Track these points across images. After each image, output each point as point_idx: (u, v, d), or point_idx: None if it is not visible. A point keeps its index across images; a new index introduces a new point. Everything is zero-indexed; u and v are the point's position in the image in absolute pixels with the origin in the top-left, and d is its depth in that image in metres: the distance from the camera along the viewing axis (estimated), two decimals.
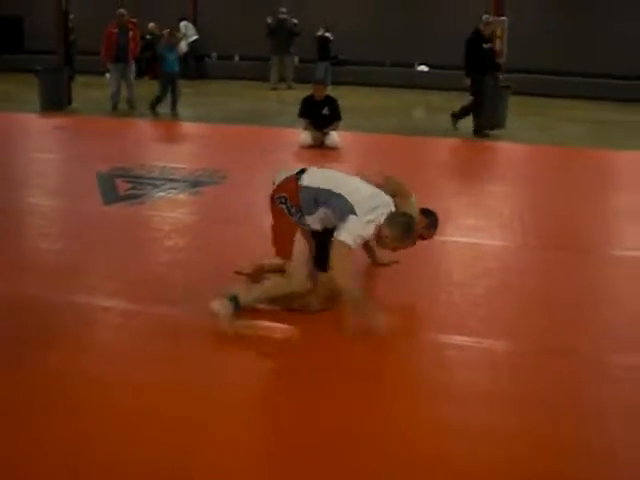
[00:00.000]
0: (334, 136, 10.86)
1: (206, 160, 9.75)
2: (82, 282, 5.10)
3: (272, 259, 4.86)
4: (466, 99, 13.07)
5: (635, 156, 11.40)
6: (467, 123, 12.90)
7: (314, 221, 4.60)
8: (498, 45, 13.90)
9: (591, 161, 10.98)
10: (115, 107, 14.30)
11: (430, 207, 5.22)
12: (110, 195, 7.49)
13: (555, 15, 20.87)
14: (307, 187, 4.58)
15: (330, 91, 12.15)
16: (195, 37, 22.61)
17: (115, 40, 14.06)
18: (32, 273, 5.27)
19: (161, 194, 7.62)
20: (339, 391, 3.74)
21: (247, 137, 11.95)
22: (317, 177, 4.66)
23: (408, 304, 4.49)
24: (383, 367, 4.06)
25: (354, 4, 22.73)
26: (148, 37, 20.34)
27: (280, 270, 4.72)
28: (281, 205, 4.65)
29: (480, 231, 6.68)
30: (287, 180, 4.72)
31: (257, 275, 4.90)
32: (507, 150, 12.08)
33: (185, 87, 15.45)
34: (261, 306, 4.57)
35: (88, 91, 16.70)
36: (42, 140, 11.34)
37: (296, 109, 11.29)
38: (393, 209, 4.50)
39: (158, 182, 8.11)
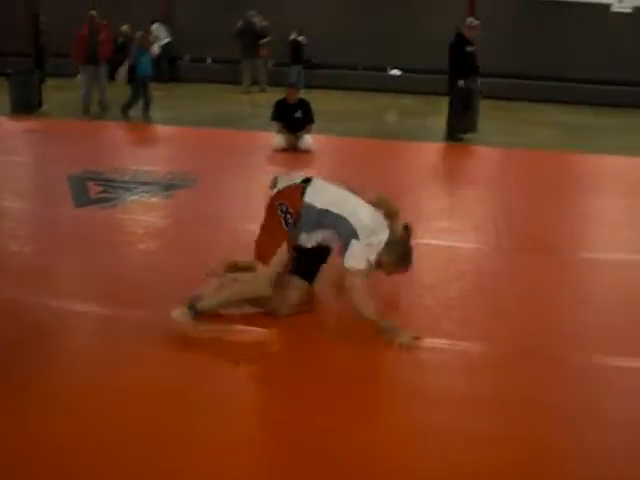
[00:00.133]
0: (307, 139, 10.84)
1: (178, 163, 9.69)
2: (55, 285, 5.05)
3: (246, 258, 4.83)
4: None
5: (605, 159, 11.50)
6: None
7: (309, 239, 4.57)
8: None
9: (562, 164, 11.06)
10: (86, 110, 14.12)
11: (404, 209, 5.20)
12: (81, 198, 7.42)
13: (525, 19, 21.02)
14: (311, 206, 4.52)
15: (303, 94, 12.12)
16: (168, 39, 22.49)
17: (86, 42, 13.90)
18: (3, 276, 5.20)
19: (133, 197, 7.56)
20: (315, 395, 3.72)
21: (220, 140, 11.90)
22: (321, 195, 4.58)
23: (382, 307, 4.47)
24: (358, 371, 4.05)
25: (327, 8, 22.74)
26: (120, 39, 20.19)
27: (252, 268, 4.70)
28: (280, 214, 4.57)
29: (454, 234, 6.69)
30: (291, 190, 4.65)
31: (230, 271, 4.86)
32: (479, 153, 12.13)
33: (157, 90, 15.34)
34: (231, 310, 4.54)
35: (59, 94, 16.54)
36: (12, 143, 11.21)
37: (269, 112, 11.25)
38: (388, 232, 4.48)
39: (130, 185, 8.05)
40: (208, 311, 4.42)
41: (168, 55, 22.36)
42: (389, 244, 4.42)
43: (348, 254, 4.36)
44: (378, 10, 22.46)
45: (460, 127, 13.05)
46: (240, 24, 20.39)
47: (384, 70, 22.56)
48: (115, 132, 12.99)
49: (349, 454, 3.19)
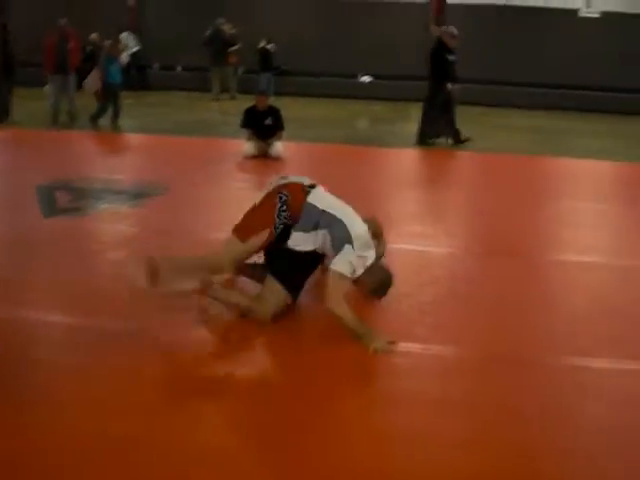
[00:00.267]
0: (278, 146, 10.81)
1: (148, 172, 9.63)
2: (22, 296, 4.97)
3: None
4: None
5: (575, 163, 11.62)
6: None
7: (305, 241, 4.56)
8: None
9: (533, 168, 11.16)
10: (55, 120, 13.97)
11: (376, 214, 5.20)
12: (50, 208, 7.33)
13: (494, 25, 21.19)
14: (313, 206, 4.57)
15: (273, 102, 12.10)
16: (137, 48, 22.40)
17: (55, 51, 13.78)
18: None
19: (102, 206, 7.49)
20: (287, 398, 3.71)
21: (190, 148, 11.84)
22: (325, 200, 4.64)
23: (357, 312, 4.45)
24: (331, 375, 4.02)
25: (296, 15, 22.76)
26: (89, 48, 20.06)
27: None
28: (278, 202, 4.60)
29: (426, 238, 6.70)
30: (296, 186, 4.71)
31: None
32: (450, 158, 12.19)
33: (127, 98, 15.25)
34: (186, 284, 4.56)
35: (28, 103, 16.39)
36: None
37: (239, 120, 11.21)
38: (374, 254, 4.53)
39: (99, 194, 7.98)
40: (166, 269, 4.52)
41: (137, 63, 22.27)
42: (373, 268, 4.47)
43: (338, 257, 4.38)
44: (348, 17, 22.54)
45: (432, 132, 13.11)
46: (209, 32, 20.37)
47: (354, 77, 22.61)
48: (84, 142, 12.87)
49: (322, 458, 3.17)
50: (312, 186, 4.74)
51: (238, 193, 8.34)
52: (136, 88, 21.23)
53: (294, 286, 4.62)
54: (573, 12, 21.57)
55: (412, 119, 15.97)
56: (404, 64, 21.76)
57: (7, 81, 14.56)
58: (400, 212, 7.63)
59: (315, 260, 4.68)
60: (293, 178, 4.85)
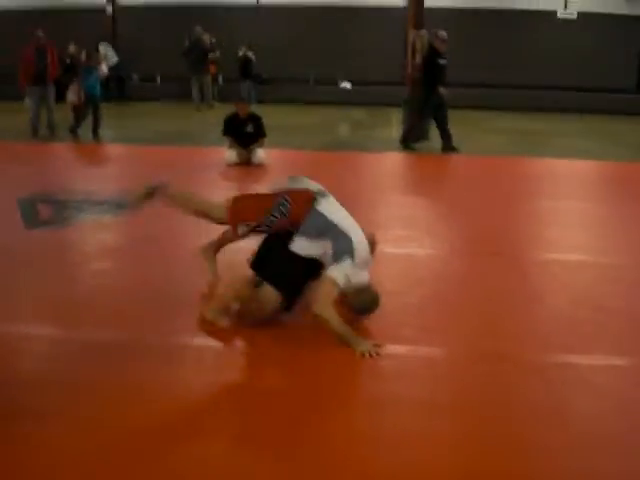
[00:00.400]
0: (260, 153, 10.81)
1: (130, 182, 9.53)
2: (4, 308, 4.91)
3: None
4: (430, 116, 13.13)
5: (555, 163, 11.70)
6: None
7: (308, 247, 4.54)
8: (418, 58, 14.03)
9: (514, 169, 11.23)
10: (35, 132, 13.89)
11: (359, 219, 5.18)
12: (31, 220, 7.27)
13: (472, 29, 21.31)
14: (321, 214, 4.56)
15: (255, 109, 12.08)
16: (115, 59, 22.37)
17: (33, 63, 13.70)
18: None
19: (84, 217, 7.44)
20: (274, 401, 3.69)
21: (171, 157, 11.78)
22: (336, 211, 4.63)
23: (342, 315, 4.45)
24: (318, 378, 4.00)
25: (276, 23, 22.80)
26: (68, 60, 20.01)
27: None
28: (277, 205, 4.62)
29: (410, 241, 6.70)
30: (302, 193, 4.70)
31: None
32: (433, 162, 12.21)
33: (107, 109, 15.20)
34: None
35: (7, 117, 16.32)
36: None
37: (220, 128, 11.19)
38: (368, 276, 4.57)
39: (81, 205, 7.91)
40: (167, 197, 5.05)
41: (116, 75, 22.24)
42: (363, 289, 4.50)
43: (336, 265, 4.37)
44: (327, 24, 22.60)
45: (414, 136, 13.16)
46: (188, 41, 20.37)
47: (335, 83, 22.67)
48: (65, 153, 12.82)
49: (308, 461, 3.16)
50: (323, 194, 4.73)
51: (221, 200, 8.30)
52: (116, 99, 21.25)
53: (291, 293, 4.57)
54: (552, 14, 21.74)
55: (393, 124, 16.07)
56: (384, 70, 21.87)
57: None
58: (384, 216, 7.63)
59: (315, 268, 4.60)
60: (303, 183, 4.84)
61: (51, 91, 14.02)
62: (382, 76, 21.83)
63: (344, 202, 4.98)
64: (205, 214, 5.01)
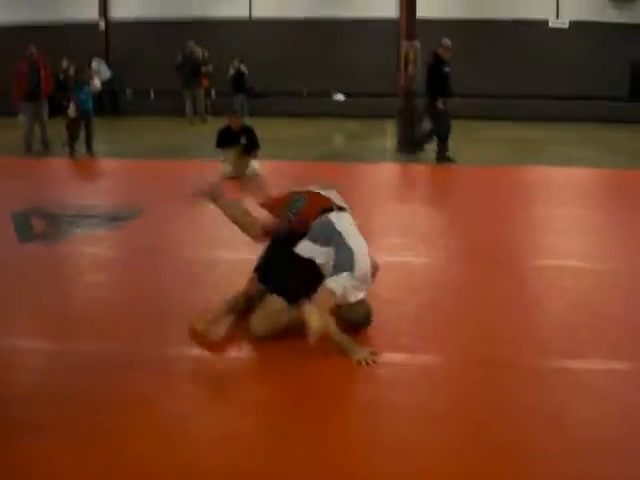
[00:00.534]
0: (254, 165, 10.78)
1: (124, 195, 9.57)
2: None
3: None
4: (426, 124, 13.11)
5: (549, 171, 11.72)
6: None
7: (310, 250, 4.56)
8: (411, 69, 14.06)
9: (511, 178, 11.24)
10: (29, 148, 13.86)
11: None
12: (25, 234, 7.24)
13: (465, 38, 21.34)
14: (330, 222, 4.61)
15: (248, 123, 12.06)
16: (108, 73, 22.38)
17: (26, 78, 13.68)
18: None
19: (78, 230, 7.41)
20: (271, 409, 3.68)
21: (166, 171, 11.77)
22: (347, 224, 4.67)
23: (340, 324, 4.43)
24: (315, 386, 3.97)
25: (268, 36, 22.84)
26: (61, 76, 20.00)
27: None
28: (290, 201, 4.79)
29: (406, 249, 6.68)
30: (321, 197, 4.80)
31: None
32: (429, 171, 12.22)
33: (101, 124, 15.18)
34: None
35: (0, 133, 16.30)
36: None
37: (214, 141, 11.17)
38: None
39: (75, 219, 7.89)
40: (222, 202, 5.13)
41: (110, 89, 22.25)
42: (358, 305, 4.51)
43: (336, 277, 4.38)
44: (318, 36, 22.64)
45: (412, 146, 13.23)
46: (181, 55, 20.38)
47: (328, 95, 22.69)
48: (58, 168, 12.80)
49: (304, 466, 3.14)
50: (341, 208, 4.78)
51: (215, 212, 8.27)
52: (109, 114, 21.25)
53: (294, 297, 4.53)
54: (544, 23, 21.82)
55: (387, 135, 16.08)
56: (377, 81, 21.90)
57: None
58: (379, 224, 7.61)
59: (317, 280, 4.53)
60: (329, 193, 4.89)
61: (44, 107, 14.01)
62: (375, 88, 21.85)
63: None
64: (249, 228, 5.05)
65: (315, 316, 4.17)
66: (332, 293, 4.33)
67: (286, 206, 4.77)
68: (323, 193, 4.87)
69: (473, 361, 4.26)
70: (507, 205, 8.84)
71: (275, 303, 4.50)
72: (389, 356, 4.28)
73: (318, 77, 22.47)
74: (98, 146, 13.98)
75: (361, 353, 4.22)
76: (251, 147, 10.91)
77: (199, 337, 4.45)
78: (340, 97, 22.77)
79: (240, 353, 4.42)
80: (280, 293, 4.51)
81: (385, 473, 3.12)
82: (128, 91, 23.29)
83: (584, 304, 5.28)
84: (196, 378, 4.06)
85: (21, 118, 14.15)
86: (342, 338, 4.29)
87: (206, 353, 4.36)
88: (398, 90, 15.13)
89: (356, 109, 21.63)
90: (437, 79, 12.67)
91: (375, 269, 4.90)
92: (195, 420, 3.59)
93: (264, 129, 12.84)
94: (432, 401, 3.79)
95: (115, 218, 7.94)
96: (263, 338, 4.44)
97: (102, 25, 23.36)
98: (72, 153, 13.50)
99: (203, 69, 20.63)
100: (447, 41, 12.88)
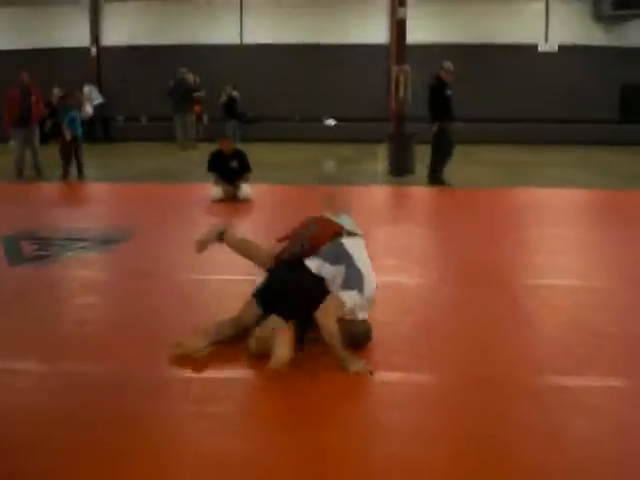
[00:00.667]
0: (246, 188, 10.78)
1: (115, 219, 9.53)
2: None
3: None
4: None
5: (540, 193, 11.73)
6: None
7: (319, 267, 4.68)
8: (402, 93, 14.10)
9: (501, 200, 11.26)
10: (20, 173, 13.81)
11: None
12: (15, 257, 7.18)
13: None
14: (342, 244, 4.76)
15: (240, 148, 12.07)
16: (100, 100, 22.40)
17: (18, 104, 13.67)
18: None
19: (69, 254, 7.35)
20: (265, 427, 3.65)
21: (157, 195, 11.74)
22: (358, 250, 4.77)
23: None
24: (311, 405, 3.92)
25: (260, 62, 22.92)
26: (54, 102, 20.00)
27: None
28: (304, 229, 4.99)
29: (400, 270, 6.66)
30: (332, 224, 4.99)
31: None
32: (418, 193, 12.23)
33: (92, 150, 15.19)
34: None
35: None
36: None
37: (205, 166, 11.16)
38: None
39: (65, 242, 7.84)
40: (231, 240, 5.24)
41: (101, 116, 22.27)
42: (359, 324, 4.59)
43: (346, 292, 4.45)
44: (309, 61, 22.75)
45: (400, 169, 13.20)
46: (172, 82, 20.43)
47: (319, 120, 22.76)
48: (49, 193, 12.74)
49: None
50: (354, 235, 4.93)
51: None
52: (101, 140, 21.26)
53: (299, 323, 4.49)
54: (533, 48, 21.98)
55: (379, 159, 16.12)
56: (368, 107, 22.00)
57: None
58: (372, 246, 7.50)
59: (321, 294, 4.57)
60: (343, 220, 5.06)
61: (35, 132, 13.99)
62: (366, 113, 21.95)
63: None
64: (255, 258, 5.18)
65: (287, 348, 4.19)
66: (341, 305, 4.39)
67: (300, 233, 4.96)
68: (334, 219, 5.03)
69: (468, 380, 4.22)
70: (501, 226, 8.84)
71: (276, 323, 4.46)
72: (384, 375, 4.24)
73: (309, 102, 22.55)
74: (89, 171, 13.96)
75: (358, 365, 4.23)
76: (242, 171, 10.91)
77: (187, 358, 4.41)
78: (331, 122, 22.84)
79: (233, 373, 4.36)
80: (283, 317, 4.47)
81: None
82: (119, 117, 23.31)
83: (579, 322, 5.25)
84: (187, 399, 3.99)
85: (12, 144, 14.15)
86: (343, 348, 4.29)
87: (198, 374, 4.31)
88: (389, 114, 15.15)
89: (347, 134, 21.69)
90: (439, 102, 12.61)
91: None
92: (187, 441, 3.54)
93: (256, 154, 12.86)
94: (428, 420, 3.75)
95: (106, 241, 7.89)
96: (259, 357, 4.39)
97: (94, 51, 23.43)
98: (65, 176, 13.46)
99: (195, 95, 20.68)
100: (449, 64, 12.85)
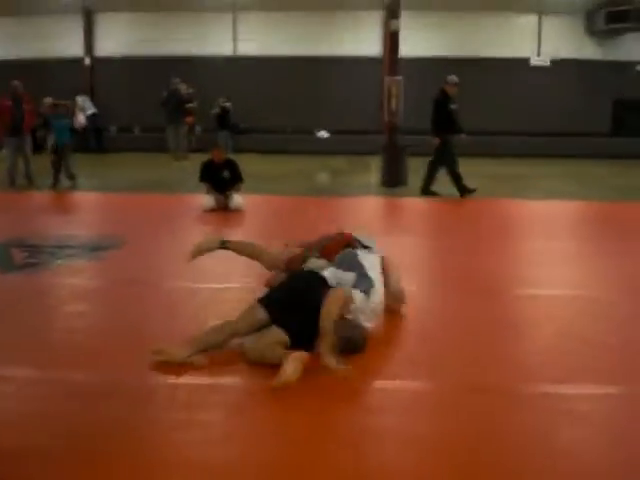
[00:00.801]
0: (237, 198, 10.76)
1: (106, 227, 9.51)
2: None
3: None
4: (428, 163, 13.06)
5: (532, 204, 11.77)
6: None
7: (330, 272, 4.79)
8: (394, 104, 14.12)
9: (496, 211, 11.27)
10: (12, 182, 13.78)
11: None
12: (6, 265, 7.13)
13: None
14: (356, 255, 4.97)
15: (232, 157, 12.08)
16: (93, 110, 22.40)
17: (10, 113, 13.65)
18: None
19: (60, 261, 7.32)
20: (254, 435, 3.60)
21: (149, 205, 11.72)
22: (371, 263, 4.96)
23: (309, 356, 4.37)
24: (303, 412, 3.88)
25: (253, 73, 22.97)
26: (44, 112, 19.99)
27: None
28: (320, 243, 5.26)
29: None
30: (345, 237, 5.31)
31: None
32: (410, 205, 12.23)
33: (85, 160, 15.16)
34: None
35: None
36: None
37: (197, 176, 11.14)
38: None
39: (56, 250, 7.80)
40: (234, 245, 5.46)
41: (94, 126, 22.26)
42: (355, 327, 4.57)
43: (355, 291, 4.59)
44: (302, 74, 22.80)
45: (392, 181, 13.21)
46: (165, 92, 20.44)
47: (312, 133, 22.79)
48: (41, 201, 12.68)
49: None
50: (368, 248, 5.20)
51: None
52: (94, 150, 21.24)
53: (299, 338, 4.48)
54: (525, 61, 22.08)
55: (371, 171, 16.13)
56: (360, 119, 22.04)
57: None
58: None
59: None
60: (359, 235, 5.40)
61: (27, 141, 13.98)
62: (359, 125, 21.99)
63: None
64: (263, 259, 5.38)
65: (297, 373, 4.12)
66: (349, 295, 4.50)
67: (315, 243, 5.22)
68: (353, 234, 5.34)
69: (462, 387, 4.19)
70: (494, 237, 8.83)
71: (277, 335, 4.44)
72: (378, 383, 4.24)
73: (302, 114, 22.59)
74: (82, 180, 13.93)
75: (344, 369, 4.20)
76: (234, 180, 10.89)
77: (175, 365, 4.38)
78: (324, 134, 22.87)
79: (221, 380, 4.32)
80: (286, 329, 4.46)
81: None
82: (112, 127, 23.30)
83: (572, 331, 5.23)
84: (176, 406, 3.96)
85: (4, 152, 14.13)
86: (331, 337, 4.29)
87: (186, 381, 4.27)
88: (382, 125, 15.17)
89: (340, 146, 21.72)
90: (443, 116, 12.57)
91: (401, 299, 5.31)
92: (174, 448, 3.50)
93: (248, 165, 12.85)
94: (422, 427, 3.71)
95: (97, 249, 7.85)
96: (253, 364, 4.38)
97: (87, 61, 23.44)
98: (56, 185, 13.45)
99: (187, 106, 20.70)
100: (453, 77, 12.81)
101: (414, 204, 12.29)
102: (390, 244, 8.47)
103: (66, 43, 23.19)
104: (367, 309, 4.61)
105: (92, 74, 23.56)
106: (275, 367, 4.19)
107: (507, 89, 21.98)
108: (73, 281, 6.63)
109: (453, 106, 12.69)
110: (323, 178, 16.38)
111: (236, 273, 6.54)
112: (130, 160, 19.76)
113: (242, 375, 4.34)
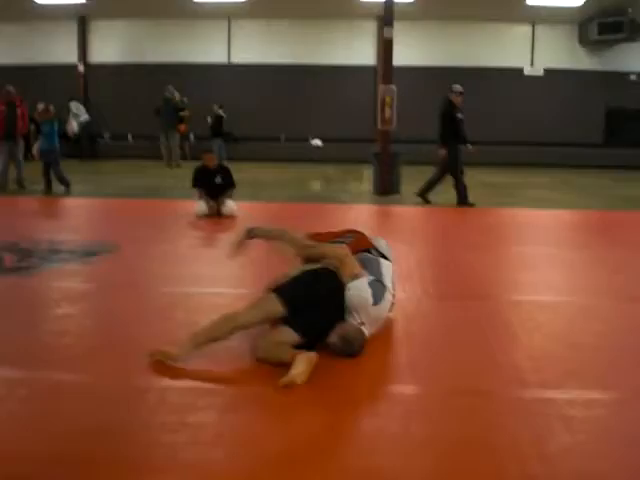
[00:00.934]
0: (230, 204, 10.74)
1: (98, 232, 9.49)
2: None
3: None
4: (433, 171, 13.02)
5: (527, 213, 11.76)
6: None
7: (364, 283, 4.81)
8: (388, 113, 14.13)
9: (487, 219, 11.26)
10: (4, 187, 13.77)
11: None
12: None
13: (442, 85, 21.60)
14: (375, 259, 5.08)
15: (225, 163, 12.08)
16: (86, 117, 22.37)
17: (3, 117, 13.62)
18: None
19: (50, 265, 7.30)
20: (243, 439, 3.55)
21: (141, 210, 11.72)
22: (386, 269, 5.03)
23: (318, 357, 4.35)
24: (294, 415, 3.85)
25: (247, 81, 22.99)
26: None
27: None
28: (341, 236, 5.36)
29: None
30: (366, 239, 5.40)
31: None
32: (403, 212, 12.24)
33: (79, 167, 15.13)
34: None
35: None
36: None
37: (190, 183, 11.13)
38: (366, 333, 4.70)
39: (47, 254, 7.79)
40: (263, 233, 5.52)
41: (88, 133, 22.23)
42: (356, 331, 4.56)
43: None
44: (296, 82, 22.82)
45: (388, 189, 13.23)
46: (160, 101, 20.45)
47: (306, 141, 22.81)
48: (32, 206, 12.66)
49: None
50: (384, 255, 5.24)
51: (190, 250, 8.24)
52: (87, 158, 21.22)
53: (311, 336, 4.49)
54: (519, 71, 22.14)
55: (364, 179, 16.15)
56: (354, 127, 22.05)
57: None
58: None
59: (339, 309, 4.62)
60: (376, 241, 5.47)
61: (19, 146, 13.95)
62: (353, 133, 22.01)
63: None
64: (291, 242, 5.38)
65: (304, 369, 4.10)
66: (360, 270, 4.77)
67: (336, 239, 5.25)
68: (370, 238, 5.41)
69: (451, 391, 4.17)
70: (484, 244, 8.84)
71: (288, 334, 4.43)
72: (368, 387, 4.21)
73: (296, 122, 22.61)
74: (75, 186, 13.89)
75: (298, 367, 4.12)
76: (226, 186, 10.88)
77: (166, 367, 4.36)
78: (317, 142, 22.89)
79: (214, 385, 4.29)
80: (297, 328, 4.45)
81: None
82: (106, 135, 23.28)
83: (561, 336, 5.23)
84: (166, 409, 3.93)
85: None
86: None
87: (177, 383, 4.24)
88: (376, 134, 15.19)
89: (334, 154, 21.75)
90: (449, 126, 12.49)
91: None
92: (163, 452, 3.47)
93: (242, 173, 12.86)
94: (414, 431, 3.69)
95: (88, 253, 7.84)
96: (261, 361, 4.41)
97: (81, 68, 23.43)
98: (47, 190, 13.44)
99: (181, 114, 20.72)
100: (458, 87, 12.72)
101: (405, 212, 12.30)
102: None
103: (60, 50, 23.19)
104: (372, 315, 4.63)
105: (86, 81, 23.54)
106: (275, 367, 4.21)
107: (501, 98, 22.04)
108: (64, 284, 6.60)
109: (459, 115, 12.60)
110: (316, 185, 16.39)
111: (228, 278, 6.53)
112: (124, 167, 19.76)
113: (235, 377, 4.32)
